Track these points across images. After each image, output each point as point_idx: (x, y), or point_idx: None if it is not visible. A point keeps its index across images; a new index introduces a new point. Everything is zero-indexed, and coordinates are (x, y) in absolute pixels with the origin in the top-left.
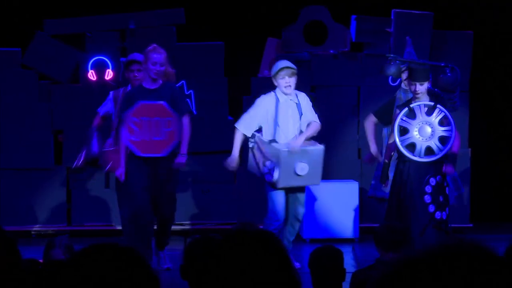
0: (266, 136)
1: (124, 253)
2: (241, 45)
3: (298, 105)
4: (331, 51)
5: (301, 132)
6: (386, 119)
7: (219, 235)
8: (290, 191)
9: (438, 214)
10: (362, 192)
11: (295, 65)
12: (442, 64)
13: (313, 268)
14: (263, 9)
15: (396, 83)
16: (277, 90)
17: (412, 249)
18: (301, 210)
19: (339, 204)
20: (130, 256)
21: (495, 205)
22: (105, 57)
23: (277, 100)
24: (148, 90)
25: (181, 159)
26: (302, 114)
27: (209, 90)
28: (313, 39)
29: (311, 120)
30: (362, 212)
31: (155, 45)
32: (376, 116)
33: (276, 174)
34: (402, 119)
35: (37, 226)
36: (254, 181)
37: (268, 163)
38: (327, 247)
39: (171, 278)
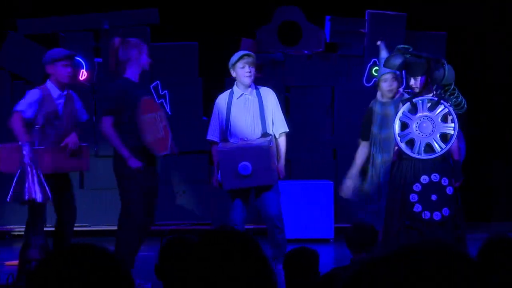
0: (222, 134)
1: (98, 254)
2: (215, 45)
3: (260, 101)
4: (305, 52)
5: (263, 131)
6: (367, 136)
7: (194, 236)
8: (255, 192)
9: (426, 214)
10: (336, 192)
11: (269, 65)
12: (432, 57)
13: (287, 269)
14: (237, 9)
15: (371, 84)
16: (235, 85)
17: (382, 249)
18: (273, 213)
19: (314, 204)
20: (104, 257)
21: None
22: (79, 57)
23: (231, 95)
24: (133, 83)
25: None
26: (264, 111)
27: (184, 90)
28: (287, 39)
29: (280, 128)
30: (337, 212)
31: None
32: (362, 138)
33: (219, 175)
34: (403, 113)
35: (12, 227)
36: None
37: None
38: (303, 248)
39: (146, 278)
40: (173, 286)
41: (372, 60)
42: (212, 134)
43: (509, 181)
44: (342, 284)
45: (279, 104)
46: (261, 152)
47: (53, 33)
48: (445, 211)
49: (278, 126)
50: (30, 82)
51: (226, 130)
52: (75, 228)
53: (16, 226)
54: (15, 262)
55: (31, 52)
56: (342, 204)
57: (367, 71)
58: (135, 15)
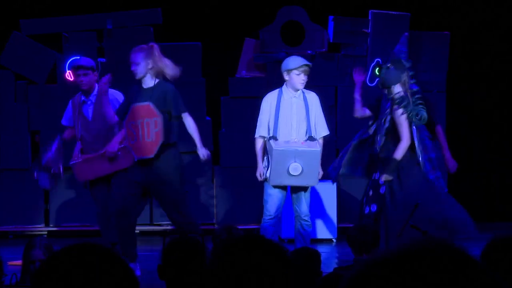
0: (269, 131)
1: (102, 253)
2: (219, 45)
3: (306, 104)
4: (308, 52)
5: (308, 135)
6: None
7: (197, 236)
8: (292, 190)
9: (366, 209)
10: (340, 192)
11: (273, 65)
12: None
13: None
14: (240, 9)
15: (374, 84)
16: (284, 86)
17: (384, 248)
18: (304, 210)
19: (317, 205)
20: (108, 256)
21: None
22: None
23: (280, 95)
24: (140, 89)
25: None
26: (309, 115)
27: (187, 90)
28: (290, 39)
29: (322, 131)
30: (340, 212)
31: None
32: None
33: (268, 171)
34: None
35: (15, 227)
36: (232, 181)
37: (265, 158)
38: (304, 248)
39: (149, 278)
40: (176, 286)
41: (375, 60)
42: (262, 131)
43: (509, 181)
44: (343, 284)
45: (321, 108)
46: (314, 156)
47: (56, 33)
48: (373, 207)
49: (320, 129)
50: (33, 82)
51: (274, 129)
52: (76, 228)
53: (18, 226)
54: (18, 262)
55: (34, 52)
56: (345, 204)
57: (370, 71)
58: (139, 15)
